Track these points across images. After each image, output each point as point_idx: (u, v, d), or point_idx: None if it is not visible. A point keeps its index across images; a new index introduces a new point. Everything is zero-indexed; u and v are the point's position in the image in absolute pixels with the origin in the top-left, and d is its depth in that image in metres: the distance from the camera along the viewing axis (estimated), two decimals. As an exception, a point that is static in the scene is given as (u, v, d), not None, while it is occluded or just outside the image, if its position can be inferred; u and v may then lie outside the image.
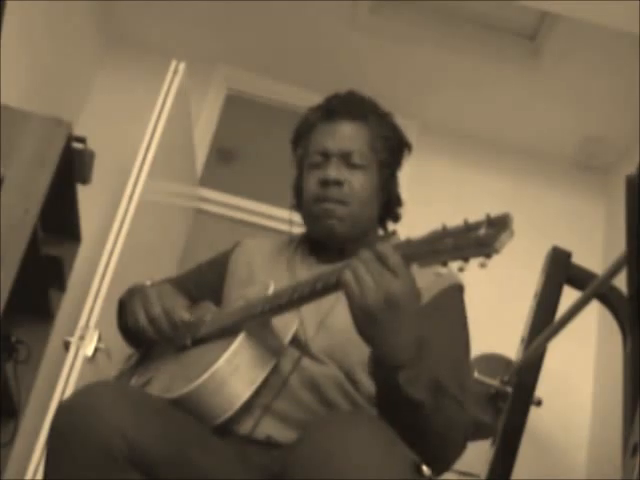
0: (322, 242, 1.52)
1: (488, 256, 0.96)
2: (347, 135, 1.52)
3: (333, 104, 1.56)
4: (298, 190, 1.59)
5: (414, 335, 1.14)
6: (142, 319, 1.42)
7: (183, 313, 1.40)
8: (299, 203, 1.59)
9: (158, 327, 1.41)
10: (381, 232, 1.59)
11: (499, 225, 0.95)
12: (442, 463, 1.24)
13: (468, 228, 0.98)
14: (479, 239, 0.96)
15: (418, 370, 1.15)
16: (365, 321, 1.11)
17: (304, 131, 1.58)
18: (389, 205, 1.57)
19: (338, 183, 1.48)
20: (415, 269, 1.08)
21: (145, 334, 1.43)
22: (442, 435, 1.21)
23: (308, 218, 1.55)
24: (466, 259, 0.98)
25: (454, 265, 1.00)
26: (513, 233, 0.95)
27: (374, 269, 1.09)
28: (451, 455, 1.26)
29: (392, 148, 1.56)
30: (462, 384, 1.30)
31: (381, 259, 1.09)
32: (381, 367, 1.17)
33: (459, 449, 1.26)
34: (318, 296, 1.21)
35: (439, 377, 1.23)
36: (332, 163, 1.50)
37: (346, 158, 1.50)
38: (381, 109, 1.58)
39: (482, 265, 0.96)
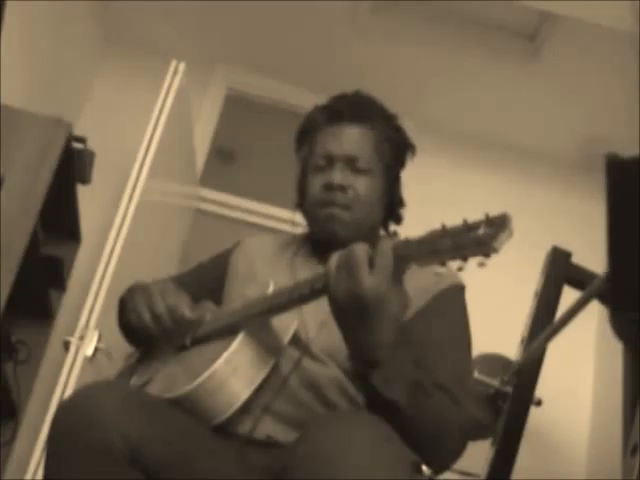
0: (324, 244, 1.52)
1: (487, 256, 0.96)
2: (353, 140, 1.52)
3: (340, 106, 1.55)
4: (301, 190, 1.59)
5: (391, 336, 1.13)
6: (146, 316, 1.42)
7: (186, 311, 1.40)
8: (302, 203, 1.59)
9: (162, 325, 1.41)
10: (383, 233, 1.59)
11: (498, 225, 0.95)
12: (438, 463, 1.24)
13: (467, 228, 0.98)
14: (478, 239, 0.96)
15: (395, 370, 1.15)
16: (336, 313, 1.14)
17: (309, 131, 1.58)
18: (392, 207, 1.57)
19: (342, 188, 1.48)
20: (415, 268, 1.08)
21: (148, 332, 1.42)
22: (433, 435, 1.20)
23: (311, 221, 1.55)
24: (465, 259, 0.98)
25: (453, 265, 1.00)
26: (512, 233, 0.95)
27: (355, 265, 1.10)
28: (447, 455, 1.25)
29: (397, 151, 1.56)
30: (462, 384, 1.31)
31: (364, 258, 1.11)
32: (354, 364, 1.18)
33: (456, 449, 1.26)
34: (318, 296, 1.21)
35: (433, 379, 1.23)
36: (337, 168, 1.50)
37: (351, 163, 1.50)
38: (387, 111, 1.57)
39: (481, 264, 0.96)
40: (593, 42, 3.34)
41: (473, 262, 0.97)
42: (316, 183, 1.52)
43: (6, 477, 2.95)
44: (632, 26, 2.89)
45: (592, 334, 3.64)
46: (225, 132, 4.05)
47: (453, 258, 0.99)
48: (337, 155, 1.51)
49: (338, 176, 1.49)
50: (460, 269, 0.99)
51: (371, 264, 1.10)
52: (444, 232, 1.01)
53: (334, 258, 1.15)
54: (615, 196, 1.69)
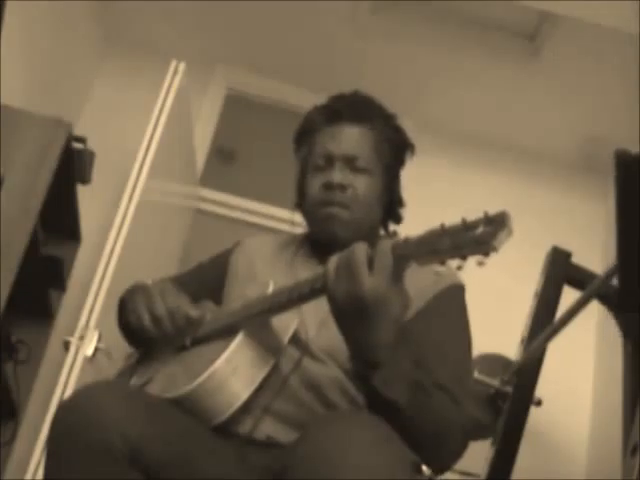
0: (324, 244, 1.52)
1: (486, 254, 0.96)
2: (352, 139, 1.52)
3: (338, 106, 1.55)
4: (301, 190, 1.59)
5: (391, 337, 1.13)
6: (145, 319, 1.41)
7: (191, 310, 1.40)
8: (302, 203, 1.59)
9: (162, 327, 1.40)
10: (383, 233, 1.59)
11: (497, 223, 0.95)
12: (439, 463, 1.24)
13: (466, 227, 0.97)
14: (477, 237, 0.96)
15: (395, 371, 1.15)
16: (335, 313, 1.14)
17: (308, 131, 1.58)
18: (392, 207, 1.57)
19: (342, 187, 1.48)
20: (414, 268, 1.08)
21: (148, 334, 1.42)
22: (433, 435, 1.20)
23: (311, 221, 1.55)
24: (464, 258, 0.98)
25: (452, 264, 1.00)
26: (511, 231, 0.95)
27: (355, 265, 1.10)
28: (447, 455, 1.25)
29: (396, 150, 1.56)
30: (462, 384, 1.31)
31: (363, 259, 1.10)
32: (355, 364, 1.18)
33: (456, 449, 1.26)
34: (317, 295, 1.21)
35: (433, 379, 1.23)
36: (336, 167, 1.50)
37: (350, 162, 1.50)
38: (386, 111, 1.57)
39: (480, 263, 0.96)
40: (593, 42, 3.34)
41: (472, 261, 0.97)
42: (315, 183, 1.52)
43: (6, 477, 2.95)
44: (632, 26, 2.89)
45: (592, 334, 3.64)
46: (225, 132, 4.05)
47: (452, 257, 0.99)
48: (336, 155, 1.51)
49: (338, 175, 1.49)
50: (459, 268, 0.99)
51: (370, 264, 1.10)
52: (443, 231, 1.00)
53: (333, 259, 1.15)
54: (624, 192, 1.70)
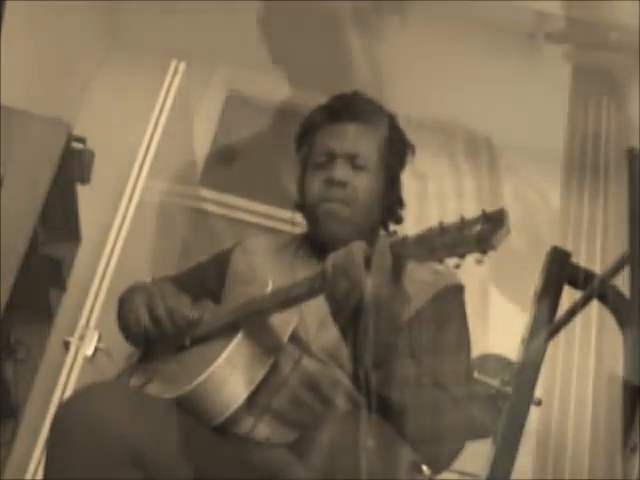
0: (324, 243, 1.51)
1: (484, 252, 0.96)
2: (354, 137, 1.52)
3: (339, 106, 1.56)
4: (301, 190, 1.59)
5: (390, 337, 1.13)
6: (145, 319, 1.42)
7: (188, 312, 1.40)
8: (302, 203, 1.58)
9: (161, 327, 1.41)
10: (383, 234, 1.59)
11: (495, 221, 0.95)
12: (438, 462, 1.25)
13: (464, 225, 0.98)
14: (475, 236, 0.96)
15: (394, 371, 1.15)
16: (334, 313, 1.15)
17: (309, 130, 1.58)
18: (392, 207, 1.57)
19: (342, 184, 1.48)
20: (414, 266, 1.08)
21: (147, 334, 1.42)
22: (433, 435, 1.21)
23: (310, 219, 1.55)
24: (463, 256, 0.98)
25: (450, 262, 1.00)
26: (509, 229, 0.95)
27: (353, 264, 1.10)
28: (447, 455, 1.26)
29: (396, 151, 1.56)
30: (462, 384, 1.31)
31: (360, 259, 1.10)
32: (354, 364, 1.18)
33: (456, 449, 1.26)
34: (316, 294, 1.21)
35: (433, 379, 1.23)
36: (338, 164, 1.50)
37: (352, 160, 1.50)
38: (386, 111, 1.58)
39: (478, 262, 0.96)
40: (592, 42, 3.34)
41: (471, 259, 0.97)
42: (316, 180, 1.52)
43: (6, 477, 2.95)
44: (632, 26, 2.89)
45: (592, 334, 3.64)
46: (225, 132, 4.05)
47: (450, 255, 0.99)
48: (338, 152, 1.51)
49: (339, 171, 1.49)
50: (457, 266, 0.99)
51: (369, 264, 1.10)
52: (441, 229, 1.00)
53: (331, 257, 1.15)
54: (637, 189, 1.70)
